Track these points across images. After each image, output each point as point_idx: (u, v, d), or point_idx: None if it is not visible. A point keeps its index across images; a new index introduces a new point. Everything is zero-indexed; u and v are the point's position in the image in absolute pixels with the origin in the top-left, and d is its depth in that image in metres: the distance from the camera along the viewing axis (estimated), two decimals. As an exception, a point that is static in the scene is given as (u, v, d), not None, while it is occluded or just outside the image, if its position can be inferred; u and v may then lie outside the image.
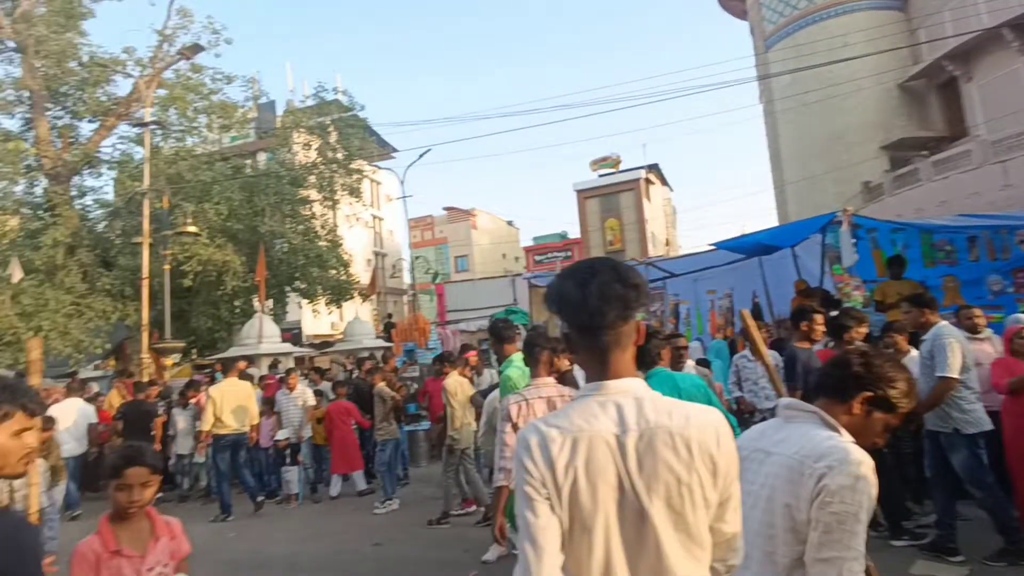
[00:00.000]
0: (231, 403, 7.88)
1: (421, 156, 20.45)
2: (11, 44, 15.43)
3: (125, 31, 41.63)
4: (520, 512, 1.16)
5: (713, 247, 7.70)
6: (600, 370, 1.22)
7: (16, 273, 13.12)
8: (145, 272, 11.47)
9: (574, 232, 39.21)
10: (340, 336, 24.40)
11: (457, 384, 6.95)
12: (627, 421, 1.15)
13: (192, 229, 11.79)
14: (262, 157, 20.73)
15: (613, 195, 36.61)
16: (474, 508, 6.81)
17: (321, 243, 16.30)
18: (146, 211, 11.52)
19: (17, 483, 3.91)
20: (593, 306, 1.18)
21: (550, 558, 1.11)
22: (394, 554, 5.80)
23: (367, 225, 19.98)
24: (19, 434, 1.56)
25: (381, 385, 8.20)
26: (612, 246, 35.19)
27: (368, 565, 5.54)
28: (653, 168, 39.73)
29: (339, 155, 16.81)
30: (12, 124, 16.05)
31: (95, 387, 14.17)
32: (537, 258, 39.07)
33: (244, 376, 10.15)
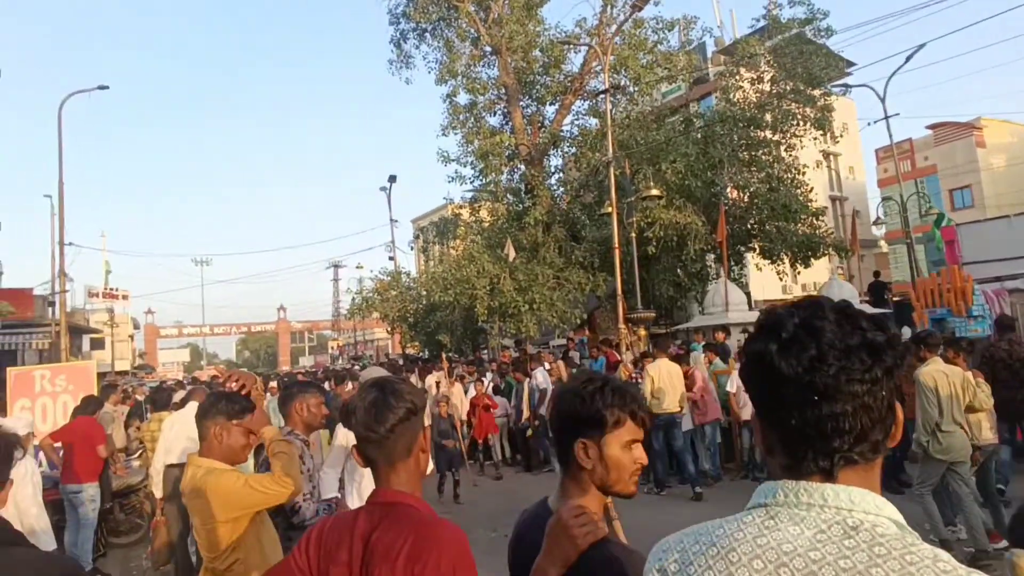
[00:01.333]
0: (665, 383, 8.48)
1: (909, 59, 16.84)
2: (488, 49, 19.31)
3: (573, 4, 48.21)
4: None
5: None
6: None
7: (511, 252, 16.47)
8: (616, 241, 12.67)
9: None
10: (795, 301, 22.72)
11: (936, 374, 5.58)
12: None
13: (654, 192, 12.44)
14: (696, 107, 20.77)
15: None
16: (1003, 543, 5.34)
17: (784, 191, 15.22)
18: (612, 179, 12.67)
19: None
20: None
21: None
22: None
23: (819, 164, 17.84)
24: (629, 445, 1.50)
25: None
26: None
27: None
28: None
29: (798, 83, 15.35)
30: (493, 121, 20.26)
31: (576, 356, 16.60)
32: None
33: (719, 349, 10.21)
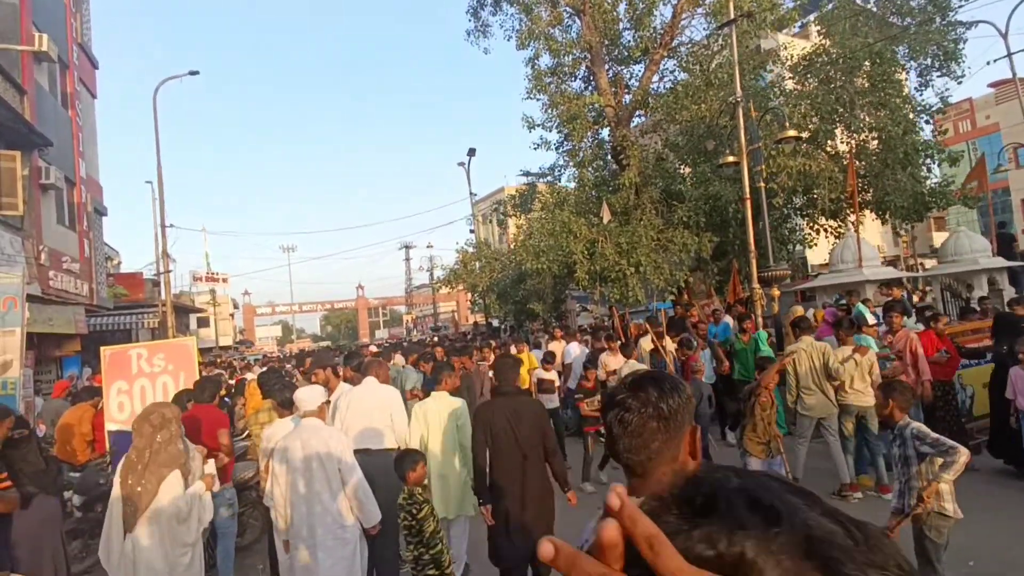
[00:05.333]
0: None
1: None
2: (567, 9, 16.64)
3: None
4: None
5: None
6: None
7: (607, 214, 13.99)
8: (746, 191, 10.06)
9: None
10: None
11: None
12: None
13: (792, 133, 9.76)
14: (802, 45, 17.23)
15: None
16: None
17: (916, 136, 12.25)
18: (740, 121, 10.04)
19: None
20: None
21: None
22: None
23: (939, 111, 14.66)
24: None
25: None
26: None
27: None
28: None
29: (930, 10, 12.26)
30: (576, 85, 17.64)
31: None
32: None
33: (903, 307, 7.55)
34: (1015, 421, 5.73)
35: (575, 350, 10.69)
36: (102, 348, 7.02)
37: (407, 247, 52.21)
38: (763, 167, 10.22)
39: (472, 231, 23.37)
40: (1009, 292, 11.36)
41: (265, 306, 61.99)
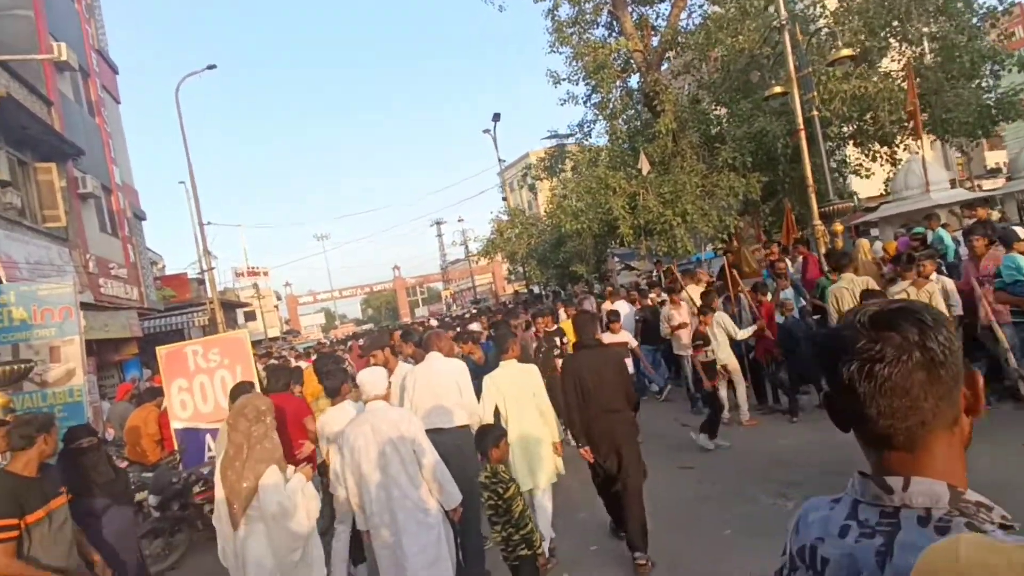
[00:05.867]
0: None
1: None
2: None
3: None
4: None
5: None
6: None
7: (645, 165, 13.36)
8: (800, 120, 9.33)
9: None
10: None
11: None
12: None
13: (845, 52, 8.92)
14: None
15: None
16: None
17: (980, 43, 11.12)
18: (788, 46, 9.25)
19: None
20: None
21: None
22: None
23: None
24: None
25: None
26: None
27: None
28: None
29: None
30: (599, 33, 16.78)
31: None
32: None
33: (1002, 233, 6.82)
34: None
35: (624, 308, 10.52)
36: (157, 348, 7.01)
37: (438, 223, 52.14)
38: (814, 94, 9.42)
39: (504, 199, 22.90)
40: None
41: (307, 295, 63.18)
